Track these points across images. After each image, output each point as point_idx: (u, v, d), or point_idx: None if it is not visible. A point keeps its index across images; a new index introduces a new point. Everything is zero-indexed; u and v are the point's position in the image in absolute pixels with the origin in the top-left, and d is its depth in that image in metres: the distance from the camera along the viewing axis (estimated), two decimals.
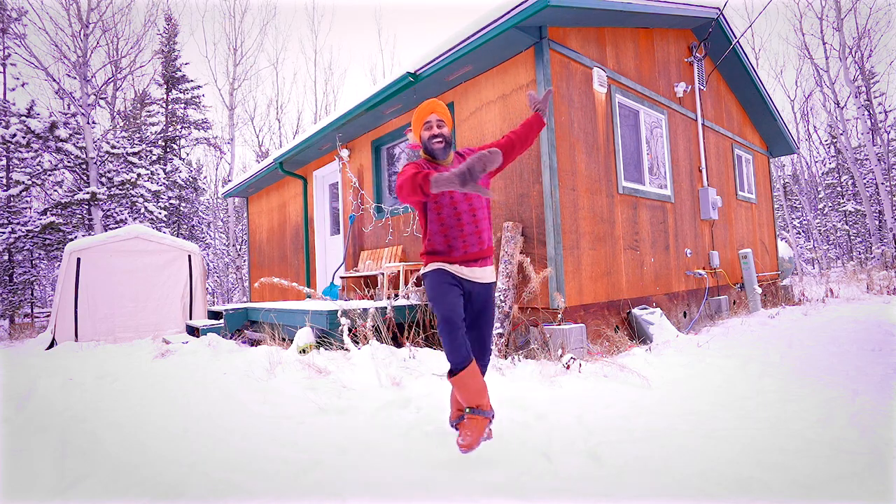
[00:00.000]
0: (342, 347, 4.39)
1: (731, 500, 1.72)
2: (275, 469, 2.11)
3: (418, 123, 2.32)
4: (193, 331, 6.48)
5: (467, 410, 2.06)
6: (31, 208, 15.97)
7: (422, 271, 2.31)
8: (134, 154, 14.45)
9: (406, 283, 5.61)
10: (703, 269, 6.67)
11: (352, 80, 52.76)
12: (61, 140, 12.73)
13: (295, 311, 5.10)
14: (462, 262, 2.22)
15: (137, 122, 19.21)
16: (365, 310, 4.61)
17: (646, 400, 2.92)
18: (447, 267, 2.22)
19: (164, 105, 19.82)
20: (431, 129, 2.27)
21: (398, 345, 4.78)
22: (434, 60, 4.93)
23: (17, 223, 13.01)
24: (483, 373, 2.29)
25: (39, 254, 14.17)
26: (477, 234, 2.23)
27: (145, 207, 14.71)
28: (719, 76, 7.93)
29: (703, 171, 6.95)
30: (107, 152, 13.71)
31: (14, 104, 13.60)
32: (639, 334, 4.95)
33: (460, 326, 2.06)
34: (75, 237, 12.95)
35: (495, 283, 2.22)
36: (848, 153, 16.35)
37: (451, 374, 2.10)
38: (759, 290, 7.34)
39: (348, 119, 6.33)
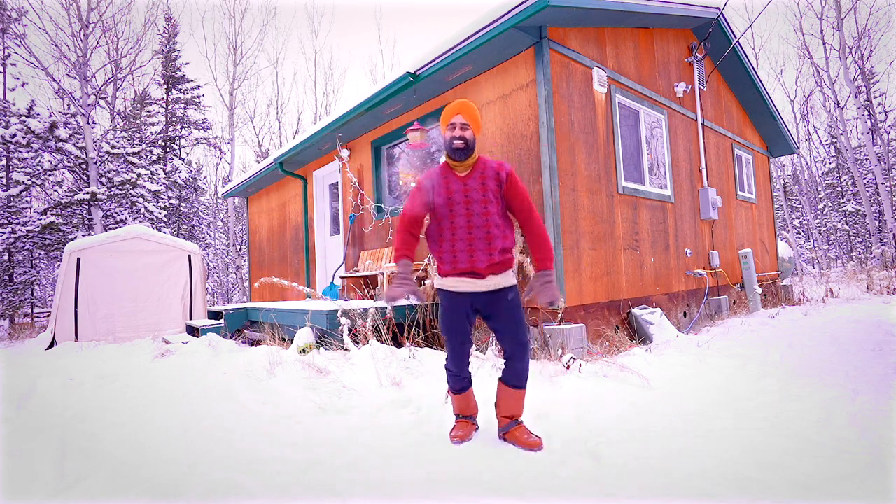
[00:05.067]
0: (342, 347, 4.39)
1: (731, 500, 1.72)
2: (275, 469, 2.11)
3: (444, 122, 2.34)
4: (193, 331, 6.48)
5: (458, 416, 2.47)
6: (31, 208, 15.97)
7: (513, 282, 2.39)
8: (134, 154, 14.46)
9: None
10: (703, 269, 6.67)
11: (352, 80, 52.80)
12: (61, 140, 12.73)
13: (295, 311, 5.09)
14: None
15: (137, 122, 19.22)
16: (365, 310, 4.61)
17: (646, 400, 2.92)
18: None
19: (164, 105, 19.83)
20: (454, 131, 2.27)
21: (398, 345, 4.78)
22: (434, 60, 4.93)
23: (17, 223, 13.01)
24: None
25: (39, 254, 14.18)
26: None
27: (145, 207, 14.71)
28: (719, 76, 7.93)
29: (703, 171, 6.95)
30: (107, 152, 13.72)
31: (14, 104, 13.62)
32: (639, 334, 4.95)
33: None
34: (75, 237, 12.96)
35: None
36: (848, 153, 16.35)
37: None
38: (759, 290, 7.34)
39: (348, 119, 6.33)
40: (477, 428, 2.47)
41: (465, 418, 2.44)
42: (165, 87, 19.50)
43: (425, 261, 5.56)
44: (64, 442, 2.50)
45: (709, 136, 7.30)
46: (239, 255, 18.92)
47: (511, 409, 2.32)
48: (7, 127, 12.44)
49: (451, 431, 2.40)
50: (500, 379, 2.36)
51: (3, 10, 13.38)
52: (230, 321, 5.98)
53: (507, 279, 2.31)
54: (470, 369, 2.45)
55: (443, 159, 2.44)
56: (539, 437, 2.25)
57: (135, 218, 14.70)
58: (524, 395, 2.33)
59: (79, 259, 6.83)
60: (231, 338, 5.98)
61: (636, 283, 5.33)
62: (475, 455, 2.19)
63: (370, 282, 6.45)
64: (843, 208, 22.75)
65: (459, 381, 2.40)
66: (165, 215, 15.96)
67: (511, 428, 2.30)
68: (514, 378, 2.30)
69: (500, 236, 2.26)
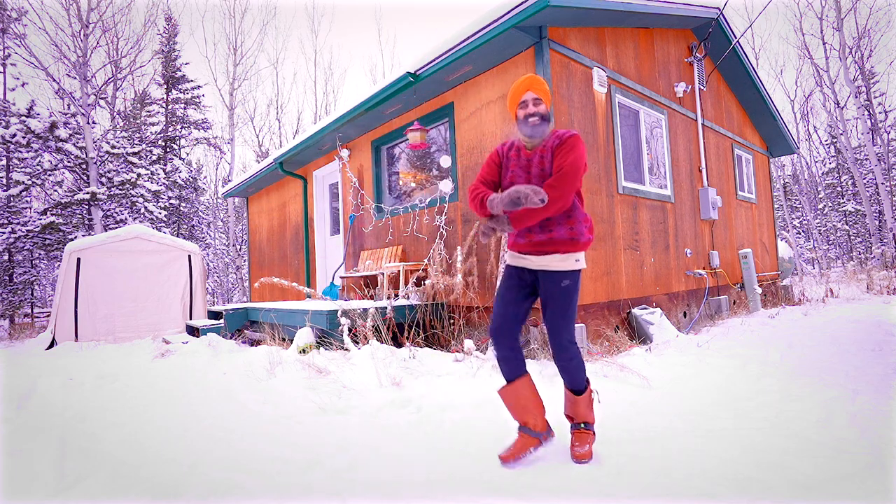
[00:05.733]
0: (342, 347, 4.40)
1: (731, 500, 1.72)
2: (275, 469, 2.11)
3: (514, 102, 2.15)
4: (193, 331, 6.48)
5: (518, 427, 2.16)
6: (31, 208, 15.97)
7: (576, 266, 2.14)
8: (134, 154, 14.45)
9: (406, 283, 5.61)
10: (703, 269, 6.67)
11: (352, 80, 52.80)
12: (61, 140, 12.73)
13: (295, 311, 5.10)
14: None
15: (137, 122, 19.22)
16: (365, 310, 4.61)
17: (646, 400, 2.92)
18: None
19: (164, 105, 19.82)
20: (527, 108, 2.09)
21: (398, 345, 4.78)
22: (434, 60, 4.93)
23: (17, 223, 13.01)
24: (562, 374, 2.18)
25: (39, 254, 14.17)
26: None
27: (145, 207, 14.71)
28: (719, 76, 7.93)
29: (703, 171, 6.95)
30: (107, 152, 13.71)
31: (14, 104, 13.61)
32: (639, 334, 4.95)
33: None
34: (75, 237, 12.95)
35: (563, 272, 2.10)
36: (848, 153, 16.35)
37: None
38: (759, 290, 7.34)
39: (348, 119, 6.33)
40: (540, 444, 2.12)
41: (523, 431, 2.10)
42: (165, 87, 19.50)
43: (425, 261, 5.55)
44: (64, 442, 2.50)
45: (709, 136, 7.30)
46: (239, 255, 18.92)
47: (568, 410, 2.21)
48: (7, 127, 12.43)
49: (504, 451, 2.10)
50: None
51: (3, 10, 13.37)
52: (230, 321, 5.98)
53: (563, 263, 2.07)
54: (522, 355, 2.15)
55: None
56: (588, 451, 2.07)
57: (135, 218, 14.70)
58: (581, 401, 2.14)
59: (79, 259, 6.83)
60: (231, 338, 5.98)
61: (636, 283, 5.33)
62: (475, 455, 2.19)
63: (370, 282, 6.45)
64: (843, 208, 22.75)
65: (502, 360, 2.11)
66: (165, 215, 15.96)
67: (572, 429, 2.18)
68: (563, 377, 2.17)
69: (557, 215, 2.06)
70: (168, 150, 19.14)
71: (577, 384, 2.17)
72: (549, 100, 2.17)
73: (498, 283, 2.23)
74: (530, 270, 2.16)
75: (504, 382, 2.19)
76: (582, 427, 2.16)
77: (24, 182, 12.96)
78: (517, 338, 2.14)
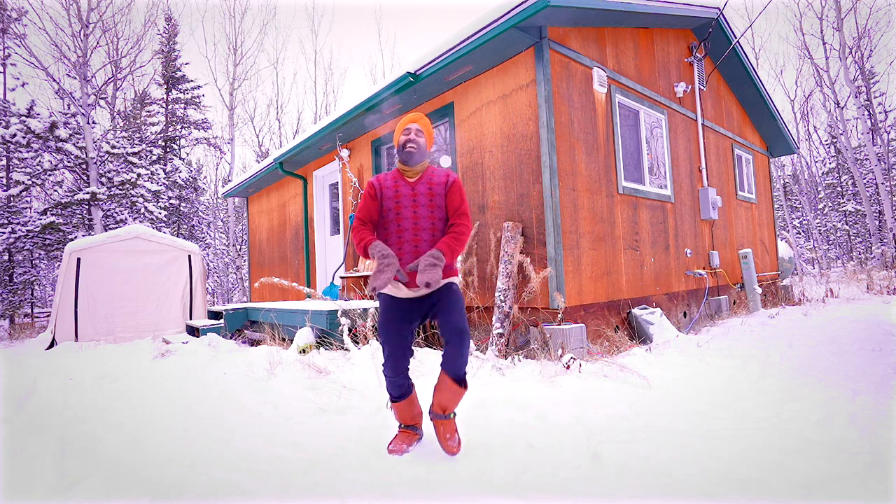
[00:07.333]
0: (342, 347, 4.40)
1: (731, 500, 1.72)
2: (275, 469, 2.11)
3: (399, 129, 2.46)
4: (193, 331, 6.48)
5: (400, 426, 2.41)
6: (31, 208, 15.96)
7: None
8: (134, 154, 14.45)
9: None
10: (703, 269, 6.67)
11: (352, 80, 52.80)
12: (61, 140, 12.73)
13: (295, 311, 5.10)
14: None
15: (137, 122, 19.21)
16: (365, 310, 4.61)
17: (646, 400, 2.92)
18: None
19: (164, 105, 19.82)
20: (409, 135, 2.39)
21: None
22: (434, 60, 4.93)
23: (17, 223, 13.00)
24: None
25: (39, 254, 14.17)
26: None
27: (145, 207, 14.70)
28: (719, 76, 7.93)
29: (703, 171, 6.95)
30: (107, 152, 13.71)
31: (14, 104, 13.60)
32: (639, 334, 4.95)
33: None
34: (75, 237, 12.95)
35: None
36: (848, 153, 16.35)
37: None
38: (759, 290, 7.34)
39: (348, 119, 6.33)
40: (420, 438, 2.39)
41: (408, 428, 2.39)
42: (165, 87, 19.49)
43: None
44: (64, 442, 2.50)
45: (709, 136, 7.30)
46: (239, 255, 18.92)
47: (443, 402, 2.25)
48: (7, 127, 12.43)
49: (389, 444, 2.31)
50: (441, 364, 2.28)
51: (3, 10, 13.37)
52: (230, 321, 5.98)
53: (450, 278, 2.34)
54: (410, 375, 2.39)
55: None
56: (458, 445, 2.22)
57: (135, 218, 14.69)
58: (461, 393, 2.23)
59: (79, 259, 6.83)
60: (231, 338, 5.98)
61: (636, 283, 5.33)
62: (475, 455, 2.19)
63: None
64: (843, 208, 22.74)
65: (398, 387, 2.32)
66: (165, 215, 15.95)
67: (439, 419, 2.24)
68: (448, 363, 2.22)
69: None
70: (168, 150, 19.14)
71: (463, 371, 2.25)
72: (431, 143, 2.51)
73: (381, 314, 2.41)
74: (411, 301, 2.32)
75: (393, 396, 2.38)
76: (451, 416, 2.26)
77: (24, 182, 12.96)
78: (408, 369, 2.36)
